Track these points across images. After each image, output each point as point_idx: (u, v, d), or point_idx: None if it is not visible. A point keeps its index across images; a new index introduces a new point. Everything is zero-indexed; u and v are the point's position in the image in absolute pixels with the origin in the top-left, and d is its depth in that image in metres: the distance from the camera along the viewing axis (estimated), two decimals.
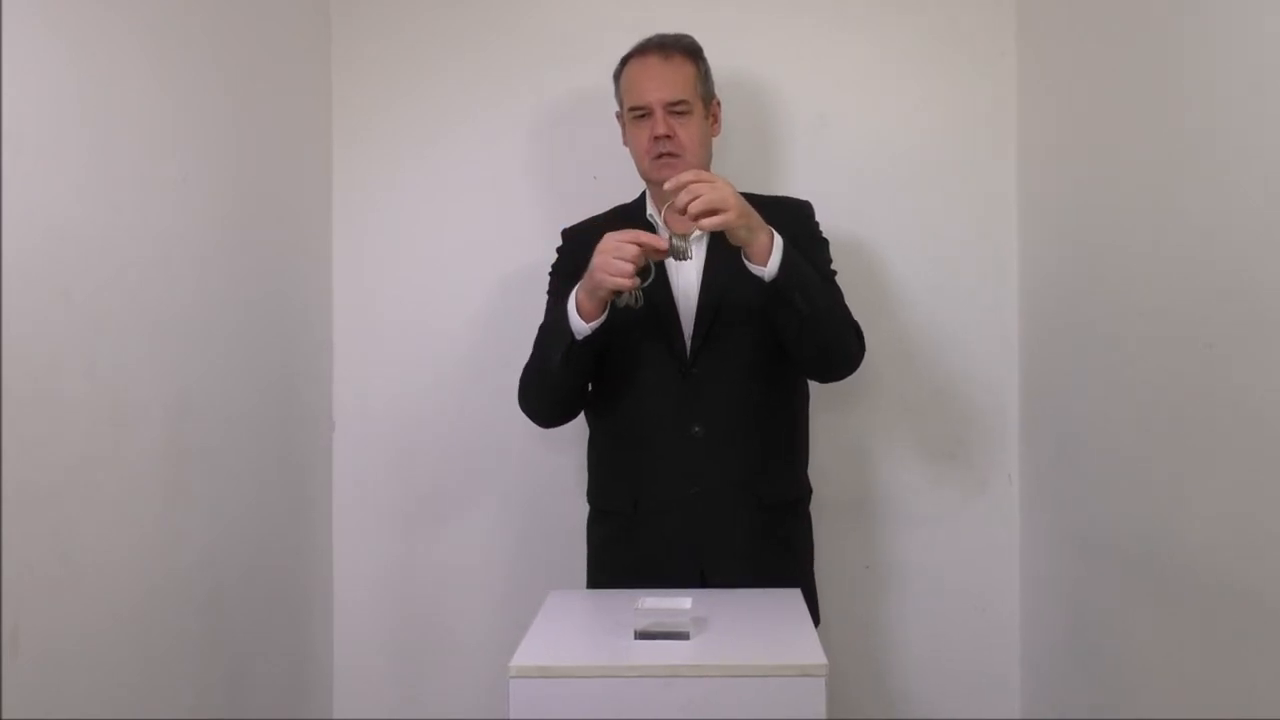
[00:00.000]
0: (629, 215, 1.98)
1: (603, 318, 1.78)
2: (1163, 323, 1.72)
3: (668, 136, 1.89)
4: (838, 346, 1.86)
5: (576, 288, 1.79)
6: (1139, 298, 1.80)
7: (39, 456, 1.39)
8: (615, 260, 1.70)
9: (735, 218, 1.68)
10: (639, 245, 1.70)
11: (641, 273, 1.72)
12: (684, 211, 1.67)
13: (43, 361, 1.40)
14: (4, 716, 1.31)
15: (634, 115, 1.93)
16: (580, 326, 1.78)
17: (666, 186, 1.71)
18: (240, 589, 1.97)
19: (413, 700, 2.41)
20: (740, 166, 2.22)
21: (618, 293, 1.74)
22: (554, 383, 1.88)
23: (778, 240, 1.73)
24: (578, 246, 1.90)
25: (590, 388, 1.99)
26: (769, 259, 1.72)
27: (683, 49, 1.93)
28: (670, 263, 1.86)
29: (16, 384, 1.34)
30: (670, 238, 1.73)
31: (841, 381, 1.98)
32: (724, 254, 1.82)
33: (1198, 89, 1.62)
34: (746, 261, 1.74)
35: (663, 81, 1.90)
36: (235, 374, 1.95)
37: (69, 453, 1.46)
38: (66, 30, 1.47)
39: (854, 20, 2.36)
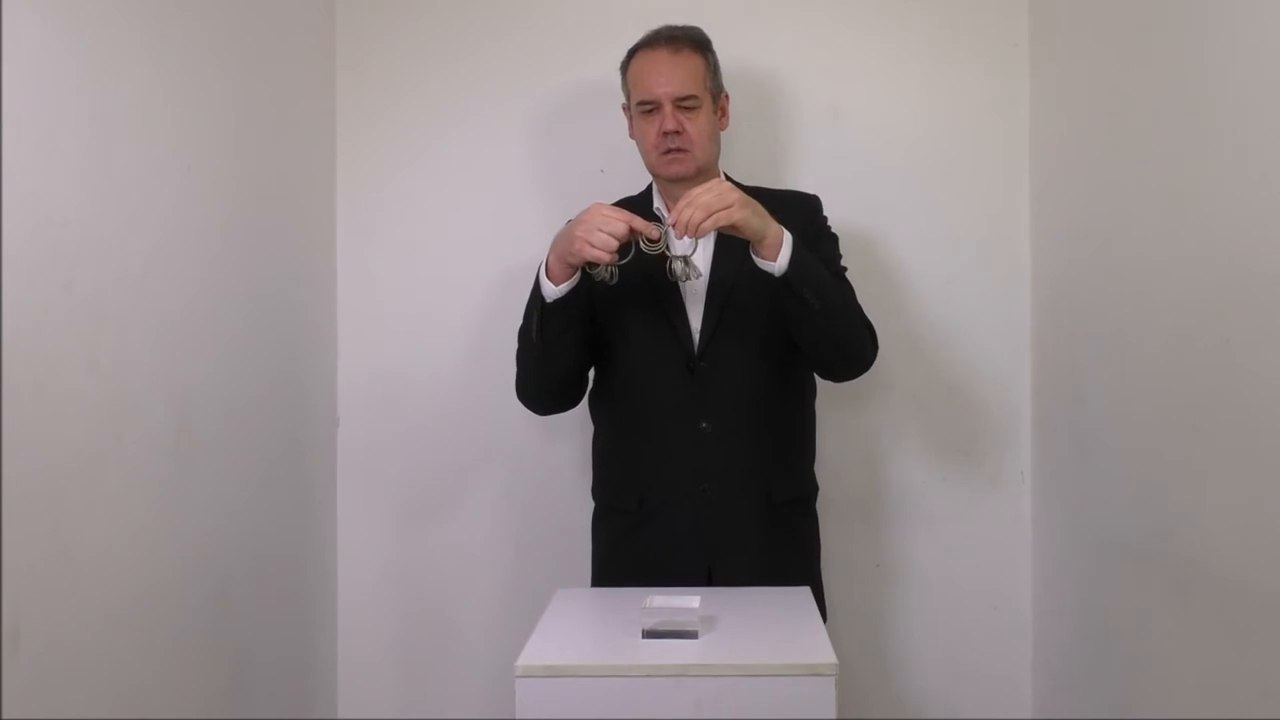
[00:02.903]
0: (636, 207, 1.96)
1: (573, 280, 1.75)
2: (1177, 317, 1.70)
3: (676, 132, 1.87)
4: (851, 344, 1.84)
5: (548, 250, 1.77)
6: (1153, 292, 1.78)
7: (40, 452, 1.38)
8: (600, 233, 1.67)
9: (739, 211, 1.67)
10: (630, 227, 1.68)
11: (621, 250, 1.69)
12: (690, 228, 1.65)
13: (44, 355, 1.39)
14: (4, 716, 1.30)
15: (642, 109, 1.90)
16: (550, 289, 1.76)
17: (675, 231, 1.68)
18: (244, 587, 1.96)
19: (418, 699, 2.40)
20: (749, 159, 2.21)
21: (592, 265, 1.71)
22: (537, 357, 1.85)
23: (787, 235, 1.72)
24: None
25: (592, 381, 1.98)
26: (778, 254, 1.70)
27: (692, 42, 1.91)
28: (677, 255, 1.84)
29: (17, 378, 1.33)
30: (670, 260, 1.72)
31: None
32: (732, 247, 1.80)
33: (1213, 80, 1.60)
34: (756, 258, 1.73)
35: (671, 76, 1.87)
36: (238, 370, 1.94)
37: (70, 448, 1.44)
38: (68, 24, 1.46)
39: (865, 11, 2.35)
